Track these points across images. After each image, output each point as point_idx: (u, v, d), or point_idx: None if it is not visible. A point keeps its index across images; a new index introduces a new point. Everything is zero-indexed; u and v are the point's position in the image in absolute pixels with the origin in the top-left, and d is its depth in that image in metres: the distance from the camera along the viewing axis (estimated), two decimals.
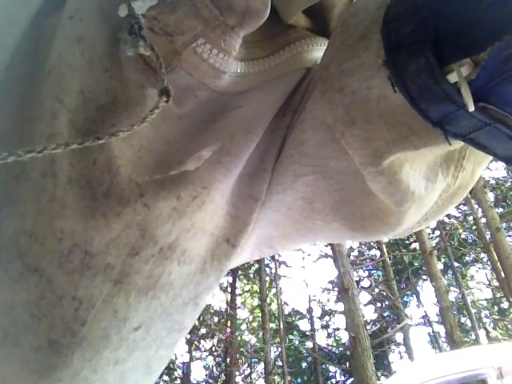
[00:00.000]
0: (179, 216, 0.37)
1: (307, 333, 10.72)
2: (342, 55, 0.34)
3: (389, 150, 0.32)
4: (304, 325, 10.89)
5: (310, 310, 10.47)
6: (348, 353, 7.70)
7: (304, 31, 0.46)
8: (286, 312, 10.57)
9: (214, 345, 9.94)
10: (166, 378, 10.52)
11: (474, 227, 7.91)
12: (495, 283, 8.65)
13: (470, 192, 7.85)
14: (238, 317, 9.85)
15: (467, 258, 10.06)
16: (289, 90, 0.44)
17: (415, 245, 10.54)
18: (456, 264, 9.30)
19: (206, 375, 10.00)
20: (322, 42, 0.46)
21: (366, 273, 11.32)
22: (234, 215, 0.42)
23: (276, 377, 8.86)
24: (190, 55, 0.36)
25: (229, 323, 9.32)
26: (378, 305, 10.05)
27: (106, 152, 0.36)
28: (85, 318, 0.34)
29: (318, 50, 0.46)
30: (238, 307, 10.18)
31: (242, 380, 9.90)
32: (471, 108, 0.24)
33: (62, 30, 0.37)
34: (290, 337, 10.49)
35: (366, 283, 10.83)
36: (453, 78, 0.24)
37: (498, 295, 8.91)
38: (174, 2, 0.35)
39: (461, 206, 10.23)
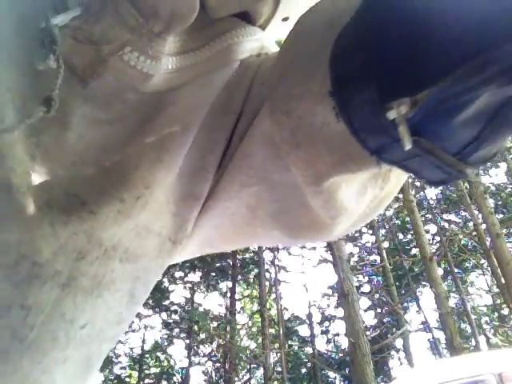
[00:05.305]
0: (124, 218, 0.38)
1: (307, 338, 10.68)
2: (292, 77, 0.35)
3: (328, 172, 0.35)
4: (303, 330, 10.86)
5: (309, 316, 10.45)
6: (348, 358, 7.67)
7: (233, 20, 0.45)
8: (286, 317, 10.54)
9: (213, 350, 9.91)
10: (164, 382, 10.47)
11: (475, 233, 7.90)
12: (495, 289, 8.63)
13: (470, 198, 7.87)
14: (237, 322, 9.83)
15: (467, 264, 10.06)
16: (223, 83, 0.44)
17: (415, 250, 10.52)
18: (456, 270, 9.29)
19: (204, 380, 9.96)
20: (252, 31, 0.46)
21: (366, 278, 11.30)
22: (175, 213, 0.42)
23: (275, 382, 8.82)
24: (117, 62, 0.36)
25: (228, 328, 9.30)
26: (378, 310, 10.04)
27: (32, 188, 0.34)
28: (33, 324, 0.33)
29: (249, 41, 0.46)
30: (238, 312, 10.15)
31: None
32: (408, 146, 0.26)
33: None
34: (290, 342, 10.46)
35: (366, 289, 10.82)
36: (392, 114, 0.26)
37: (498, 301, 8.90)
38: (99, 12, 0.34)
39: (461, 212, 10.23)
